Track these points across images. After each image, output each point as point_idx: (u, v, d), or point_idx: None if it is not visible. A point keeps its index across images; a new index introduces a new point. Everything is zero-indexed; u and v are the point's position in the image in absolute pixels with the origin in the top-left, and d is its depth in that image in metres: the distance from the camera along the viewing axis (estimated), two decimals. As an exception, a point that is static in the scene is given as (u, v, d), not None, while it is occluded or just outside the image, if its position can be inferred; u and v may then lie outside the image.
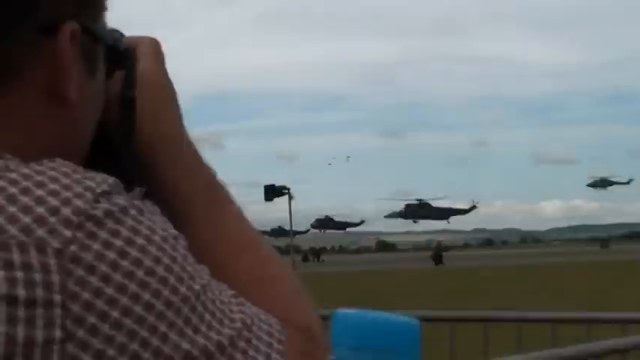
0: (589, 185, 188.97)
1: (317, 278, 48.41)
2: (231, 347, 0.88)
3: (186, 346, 0.84)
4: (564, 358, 4.80)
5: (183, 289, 0.85)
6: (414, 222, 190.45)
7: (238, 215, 1.09)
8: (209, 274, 0.93)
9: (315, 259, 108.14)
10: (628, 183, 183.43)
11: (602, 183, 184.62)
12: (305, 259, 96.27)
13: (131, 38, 1.10)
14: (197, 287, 0.87)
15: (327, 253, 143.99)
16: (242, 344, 0.89)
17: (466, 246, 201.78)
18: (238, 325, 0.89)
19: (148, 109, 1.04)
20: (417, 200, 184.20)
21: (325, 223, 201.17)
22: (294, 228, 48.32)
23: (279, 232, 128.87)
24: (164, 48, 1.11)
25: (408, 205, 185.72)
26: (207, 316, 0.87)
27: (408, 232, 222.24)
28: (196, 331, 0.85)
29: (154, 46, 1.10)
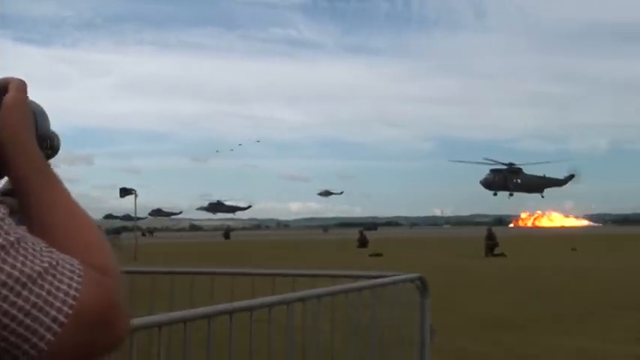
0: (318, 194, 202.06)
1: (152, 244, 51.37)
2: (40, 278, 0.80)
3: (1, 276, 0.77)
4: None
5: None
6: (214, 213, 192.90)
7: (63, 191, 0.99)
8: (25, 230, 0.87)
9: (150, 234, 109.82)
10: (341, 194, 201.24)
11: (325, 193, 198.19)
12: (143, 235, 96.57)
13: (4, 78, 1.01)
14: (12, 238, 0.80)
15: (158, 231, 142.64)
16: (49, 277, 0.81)
17: (244, 229, 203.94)
18: (46, 265, 0.82)
19: (7, 122, 0.96)
20: (217, 200, 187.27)
21: (217, 207, 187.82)
22: (137, 215, 49.45)
23: (128, 217, 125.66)
24: (28, 88, 1.02)
25: (210, 203, 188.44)
26: (21, 258, 0.80)
27: (209, 219, 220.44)
28: (13, 267, 0.78)
29: (20, 83, 1.01)
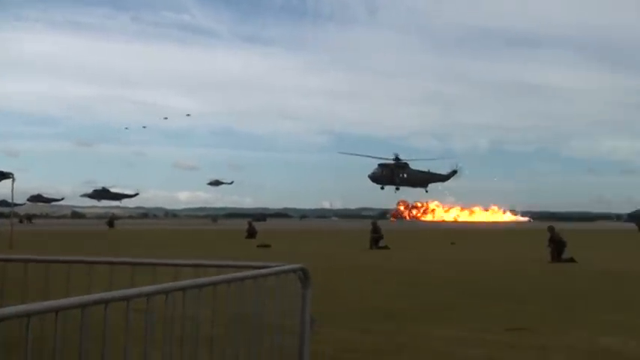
0: (208, 184, 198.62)
1: (29, 232, 48.77)
2: None
3: None
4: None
5: None
6: (98, 201, 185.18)
7: None
8: None
9: (27, 221, 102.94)
10: (231, 183, 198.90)
11: (215, 183, 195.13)
12: (20, 221, 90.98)
13: None
14: None
15: (37, 218, 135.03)
16: None
17: (130, 217, 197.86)
18: None
19: None
20: (102, 187, 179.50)
21: (102, 194, 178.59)
22: (14, 201, 47.00)
23: (4, 203, 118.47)
24: None
25: (95, 190, 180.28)
26: None
27: (94, 207, 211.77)
28: None
29: None
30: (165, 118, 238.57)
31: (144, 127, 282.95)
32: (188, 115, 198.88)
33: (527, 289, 14.80)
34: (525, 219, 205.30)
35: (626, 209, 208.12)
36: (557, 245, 23.93)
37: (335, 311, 10.83)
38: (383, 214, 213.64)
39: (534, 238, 31.23)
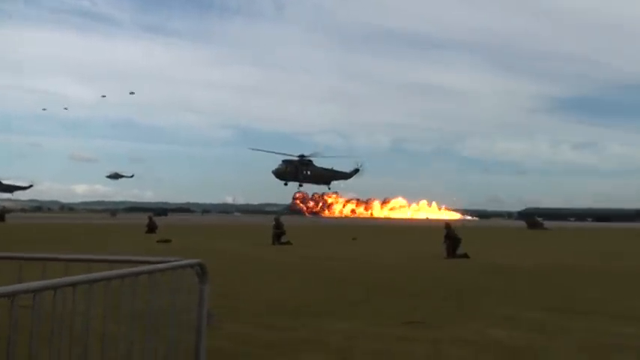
0: (107, 177, 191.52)
1: None
2: None
3: None
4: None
5: None
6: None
7: None
8: None
9: None
10: (131, 177, 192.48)
11: (115, 176, 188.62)
12: None
13: None
14: None
15: None
16: None
17: (23, 210, 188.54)
18: None
19: None
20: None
21: None
22: None
23: None
24: None
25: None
26: None
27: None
28: None
29: None
30: (66, 109, 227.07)
31: (44, 109, 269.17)
32: (132, 93, 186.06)
33: (423, 284, 15.28)
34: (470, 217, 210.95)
35: (517, 208, 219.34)
36: (452, 241, 24.79)
37: (236, 307, 10.86)
38: (287, 209, 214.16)
39: (435, 235, 32.21)
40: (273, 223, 33.86)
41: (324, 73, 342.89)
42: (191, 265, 5.05)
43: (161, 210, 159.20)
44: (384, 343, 8.14)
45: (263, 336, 8.48)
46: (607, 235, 61.42)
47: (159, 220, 51.59)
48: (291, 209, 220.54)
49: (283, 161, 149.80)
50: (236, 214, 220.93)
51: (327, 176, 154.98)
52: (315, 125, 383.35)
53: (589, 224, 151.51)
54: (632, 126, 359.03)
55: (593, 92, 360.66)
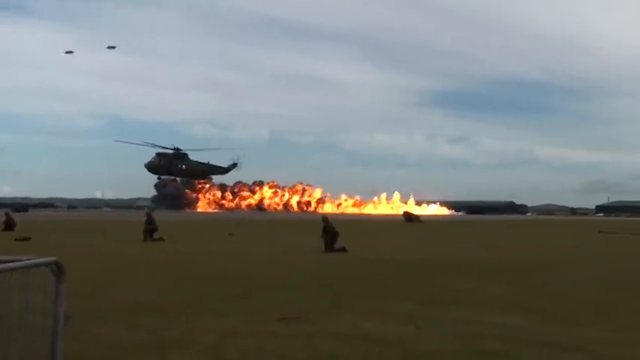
0: None
1: None
2: None
3: None
4: None
5: None
6: None
7: None
8: None
9: None
10: None
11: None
12: None
13: None
14: None
15: None
16: None
17: None
18: None
19: None
20: None
21: None
22: None
23: None
24: None
25: None
26: None
27: None
28: None
29: None
30: None
31: None
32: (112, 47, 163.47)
33: (300, 278, 15.47)
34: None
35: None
36: (330, 235, 25.25)
37: (102, 307, 10.56)
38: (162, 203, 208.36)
39: (315, 229, 32.63)
40: (145, 218, 32.96)
41: (201, 61, 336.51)
42: (46, 264, 4.81)
43: (21, 206, 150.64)
44: (258, 340, 8.16)
45: (130, 337, 8.24)
46: (480, 227, 65.01)
47: (18, 217, 48.88)
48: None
49: (157, 154, 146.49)
50: (105, 209, 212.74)
51: (203, 170, 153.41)
52: (191, 115, 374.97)
53: (463, 217, 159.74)
54: (501, 121, 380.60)
55: (469, 87, 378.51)
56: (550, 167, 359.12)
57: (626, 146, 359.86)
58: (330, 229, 25.37)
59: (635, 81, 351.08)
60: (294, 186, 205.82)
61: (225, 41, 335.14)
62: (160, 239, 31.03)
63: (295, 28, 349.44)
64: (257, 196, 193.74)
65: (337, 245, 24.97)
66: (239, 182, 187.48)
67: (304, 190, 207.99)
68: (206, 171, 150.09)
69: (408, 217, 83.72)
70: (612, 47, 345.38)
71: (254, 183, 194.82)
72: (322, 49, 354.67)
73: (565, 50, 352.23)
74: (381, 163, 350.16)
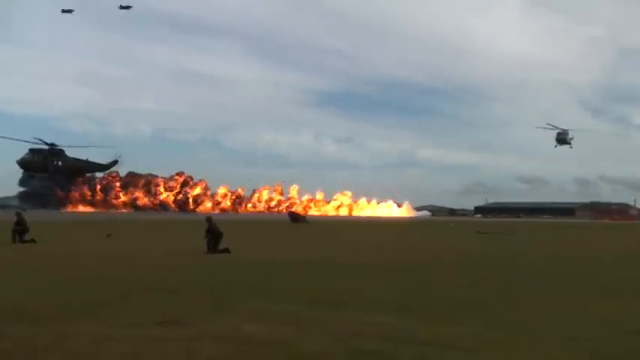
0: None
1: None
2: None
3: None
4: None
5: None
6: None
7: None
8: None
9: None
10: None
11: None
12: None
13: None
14: None
15: None
16: None
17: None
18: None
19: None
20: None
21: None
22: None
23: None
24: None
25: None
26: None
27: None
28: None
29: None
30: None
31: None
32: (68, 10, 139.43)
33: (181, 281, 15.21)
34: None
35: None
36: (214, 236, 25.02)
37: (-39, 315, 9.88)
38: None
39: (197, 228, 32.21)
40: (15, 219, 31.25)
41: (77, 52, 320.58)
42: None
43: None
44: (134, 345, 7.96)
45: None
46: (365, 228, 66.60)
47: None
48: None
49: (30, 150, 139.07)
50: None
51: (80, 167, 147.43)
52: (67, 110, 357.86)
53: (349, 217, 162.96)
54: (385, 122, 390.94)
55: (354, 88, 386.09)
56: (431, 169, 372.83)
57: (503, 149, 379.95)
58: (214, 230, 25.13)
59: (513, 86, 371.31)
60: (172, 177, 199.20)
61: (102, 31, 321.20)
62: (32, 241, 29.55)
63: (182, 21, 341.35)
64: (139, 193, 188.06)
65: (221, 246, 24.79)
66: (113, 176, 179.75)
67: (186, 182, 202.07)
68: (84, 168, 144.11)
69: (294, 217, 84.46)
70: (492, 53, 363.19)
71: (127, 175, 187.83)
72: (212, 44, 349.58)
73: (447, 54, 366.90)
74: (266, 162, 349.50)
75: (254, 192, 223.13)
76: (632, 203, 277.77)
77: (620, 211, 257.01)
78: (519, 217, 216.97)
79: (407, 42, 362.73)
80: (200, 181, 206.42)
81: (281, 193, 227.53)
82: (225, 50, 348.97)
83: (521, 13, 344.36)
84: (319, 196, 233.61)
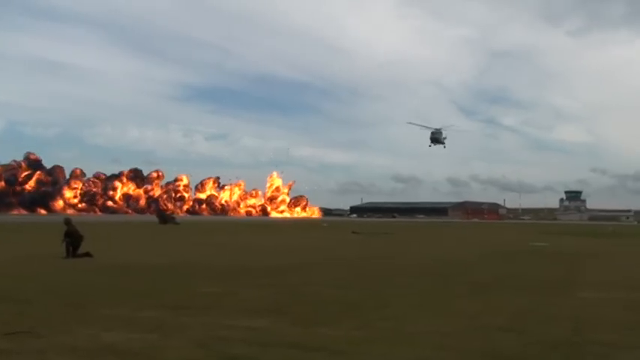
0: None
1: None
2: None
3: None
4: None
5: None
6: None
7: None
8: None
9: None
10: None
11: None
12: None
13: None
14: None
15: None
16: None
17: None
18: None
19: None
20: None
21: None
22: None
23: None
24: None
25: None
26: None
27: None
28: None
29: None
30: None
31: None
32: None
33: (34, 289, 14.52)
34: None
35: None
36: (73, 239, 24.07)
37: None
38: None
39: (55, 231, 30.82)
40: None
41: None
42: None
43: None
44: (-23, 360, 7.55)
45: None
46: (234, 228, 66.34)
47: None
48: None
49: None
50: None
51: None
52: None
53: (221, 218, 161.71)
54: (259, 119, 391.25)
55: (226, 83, 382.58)
56: (306, 167, 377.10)
57: (378, 148, 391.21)
58: (74, 232, 24.18)
59: (387, 85, 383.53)
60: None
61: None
62: None
63: (36, 7, 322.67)
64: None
65: (81, 250, 23.90)
66: None
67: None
68: None
69: (163, 218, 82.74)
70: (366, 51, 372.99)
71: None
72: (71, 33, 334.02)
73: (321, 51, 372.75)
74: (131, 159, 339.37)
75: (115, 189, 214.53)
76: (501, 203, 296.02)
77: (490, 210, 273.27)
78: (394, 216, 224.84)
79: (281, 37, 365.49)
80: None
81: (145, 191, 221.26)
82: (89, 40, 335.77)
83: (394, 12, 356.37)
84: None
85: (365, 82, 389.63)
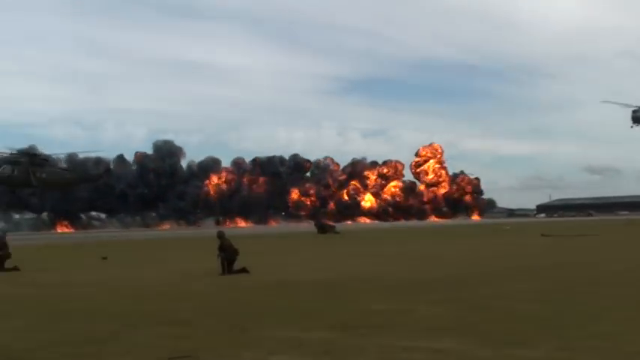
0: None
1: None
2: None
3: None
4: None
5: None
6: None
7: None
8: None
9: None
10: None
11: None
12: None
13: None
14: None
15: None
16: None
17: None
18: None
19: None
20: None
21: None
22: None
23: None
24: None
25: None
26: None
27: None
28: None
29: None
30: None
31: None
32: None
33: (193, 309, 15.25)
34: None
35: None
36: (228, 254, 25.11)
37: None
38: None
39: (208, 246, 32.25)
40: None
41: (55, 47, 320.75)
42: None
43: None
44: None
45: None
46: (402, 236, 66.22)
47: None
48: None
49: (7, 162, 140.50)
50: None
51: (69, 180, 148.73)
52: (46, 113, 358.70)
53: (378, 224, 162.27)
54: (422, 109, 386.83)
55: (383, 72, 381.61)
56: (479, 162, 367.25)
57: (563, 135, 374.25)
58: (228, 246, 25.08)
59: (571, 60, 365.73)
60: None
61: (81, 22, 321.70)
62: (15, 268, 29.85)
63: (170, 4, 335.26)
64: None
65: (237, 266, 24.81)
66: None
67: None
68: (72, 180, 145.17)
69: (322, 227, 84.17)
70: (544, 22, 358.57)
71: None
72: (208, 29, 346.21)
73: (489, 27, 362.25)
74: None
75: None
76: None
77: None
78: (590, 214, 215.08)
79: (440, 16, 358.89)
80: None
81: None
82: (229, 36, 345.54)
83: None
84: None
85: (544, 59, 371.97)
